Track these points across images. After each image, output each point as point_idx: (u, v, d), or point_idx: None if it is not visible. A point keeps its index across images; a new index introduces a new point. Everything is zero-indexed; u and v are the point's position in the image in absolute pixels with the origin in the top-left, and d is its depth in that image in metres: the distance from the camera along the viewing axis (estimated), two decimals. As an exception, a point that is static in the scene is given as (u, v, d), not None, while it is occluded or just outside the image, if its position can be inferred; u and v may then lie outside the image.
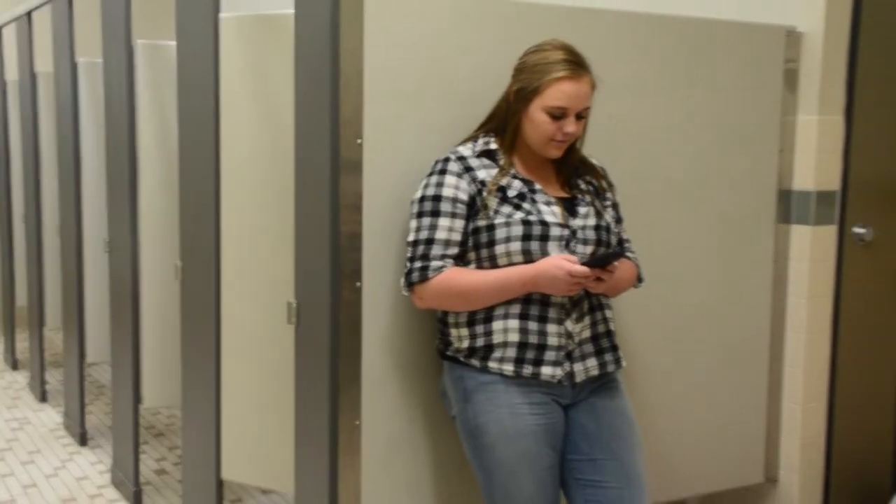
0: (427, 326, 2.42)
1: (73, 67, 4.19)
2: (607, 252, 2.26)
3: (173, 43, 3.06)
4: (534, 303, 2.20)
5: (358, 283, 2.30)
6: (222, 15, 2.74)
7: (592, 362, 2.27)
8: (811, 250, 2.98)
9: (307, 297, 2.40)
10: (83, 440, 4.43)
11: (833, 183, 3.01)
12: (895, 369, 3.21)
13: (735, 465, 3.02)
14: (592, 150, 2.40)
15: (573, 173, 2.34)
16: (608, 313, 2.32)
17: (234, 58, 2.72)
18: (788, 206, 3.02)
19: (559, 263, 2.13)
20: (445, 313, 2.29)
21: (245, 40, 2.70)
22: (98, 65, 3.96)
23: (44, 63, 5.03)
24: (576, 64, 2.19)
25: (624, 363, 2.35)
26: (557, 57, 2.19)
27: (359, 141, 2.28)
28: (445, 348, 2.31)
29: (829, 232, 3.02)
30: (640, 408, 2.36)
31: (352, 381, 2.32)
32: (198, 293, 2.97)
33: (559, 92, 2.18)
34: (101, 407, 5.07)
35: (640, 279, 2.44)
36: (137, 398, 3.67)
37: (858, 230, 3.05)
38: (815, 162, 2.96)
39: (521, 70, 2.24)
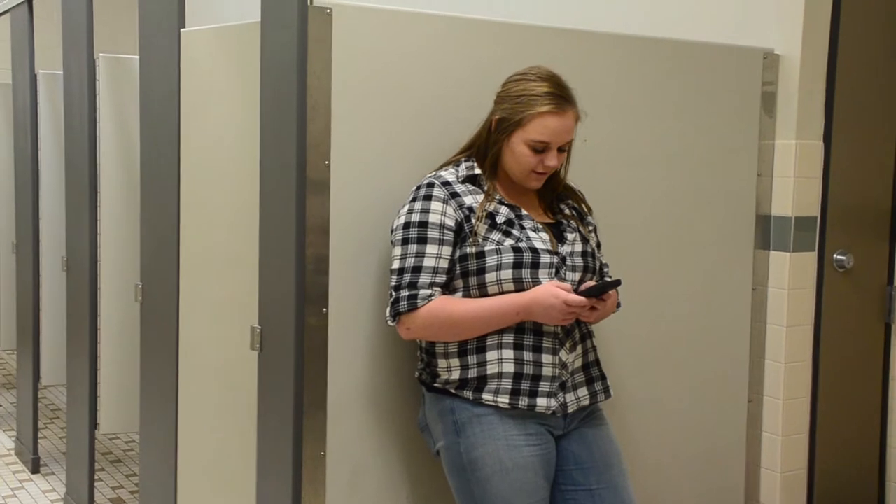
0: (396, 353, 2.36)
1: (33, 79, 4.15)
2: (605, 282, 2.22)
3: (136, 57, 3.00)
4: (527, 332, 2.15)
5: (324, 309, 2.25)
6: (184, 29, 2.68)
7: (583, 392, 2.24)
8: (790, 277, 2.95)
9: (271, 321, 2.35)
10: (35, 467, 4.34)
11: (812, 208, 2.98)
12: (878, 399, 3.19)
13: (714, 499, 2.97)
14: (567, 174, 2.35)
15: (555, 198, 2.31)
16: (595, 341, 2.30)
17: (197, 72, 2.65)
18: (767, 232, 2.99)
19: (554, 292, 2.09)
20: (432, 343, 2.21)
21: (208, 53, 2.63)
22: (58, 77, 3.88)
23: (2, 74, 4.94)
24: (561, 98, 2.15)
25: (612, 392, 2.32)
26: (542, 89, 2.14)
27: (326, 162, 2.24)
28: (432, 380, 2.23)
29: (809, 259, 2.99)
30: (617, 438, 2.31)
31: (317, 409, 2.27)
32: (158, 315, 2.92)
33: (542, 126, 2.13)
34: (55, 431, 4.96)
35: (617, 304, 2.39)
36: (93, 423, 3.60)
37: (839, 257, 3.02)
38: (794, 187, 2.94)
39: (503, 99, 2.19)
